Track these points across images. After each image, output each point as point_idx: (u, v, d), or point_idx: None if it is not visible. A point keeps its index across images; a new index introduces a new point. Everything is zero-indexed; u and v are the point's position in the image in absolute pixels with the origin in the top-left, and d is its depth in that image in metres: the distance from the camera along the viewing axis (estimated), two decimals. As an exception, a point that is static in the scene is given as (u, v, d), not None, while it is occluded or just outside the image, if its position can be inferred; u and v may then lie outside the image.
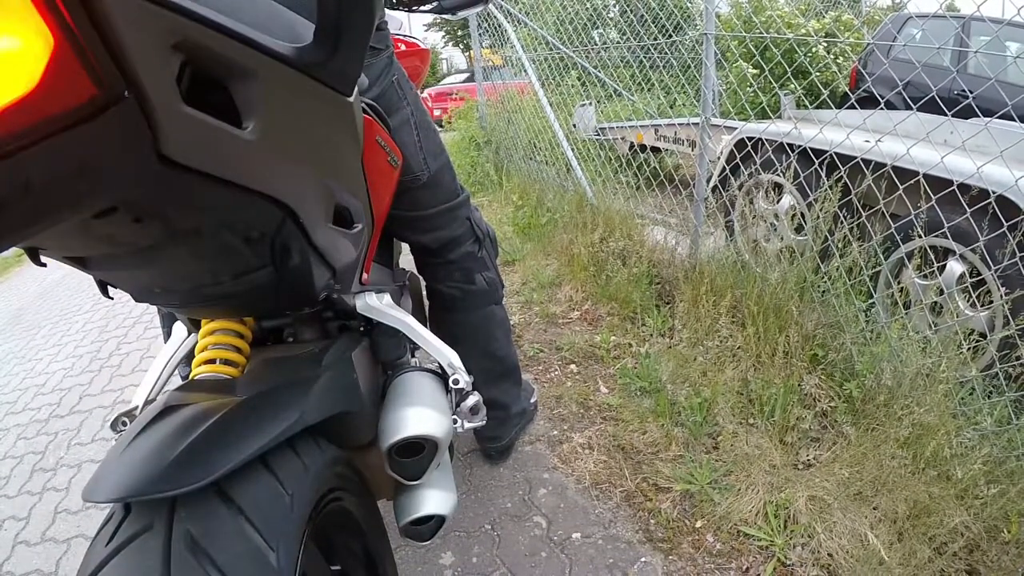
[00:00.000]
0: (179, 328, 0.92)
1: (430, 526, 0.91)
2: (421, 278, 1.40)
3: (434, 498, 0.91)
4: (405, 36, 1.60)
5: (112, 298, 0.65)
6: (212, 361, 0.76)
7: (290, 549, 0.56)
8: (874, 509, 1.21)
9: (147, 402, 0.85)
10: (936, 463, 1.24)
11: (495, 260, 1.33)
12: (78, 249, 0.51)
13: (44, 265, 0.52)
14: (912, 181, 1.51)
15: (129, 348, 2.80)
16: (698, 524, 1.30)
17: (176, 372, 0.91)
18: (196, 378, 0.74)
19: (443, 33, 20.72)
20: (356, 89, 0.65)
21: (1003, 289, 1.49)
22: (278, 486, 0.59)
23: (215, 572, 0.50)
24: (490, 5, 1.59)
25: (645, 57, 3.32)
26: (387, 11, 1.08)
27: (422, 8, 1.13)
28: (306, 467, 0.63)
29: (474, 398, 0.96)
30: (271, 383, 0.69)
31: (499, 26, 3.93)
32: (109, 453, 0.57)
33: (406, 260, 1.57)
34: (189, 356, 0.85)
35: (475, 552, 1.30)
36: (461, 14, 1.22)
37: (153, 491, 0.50)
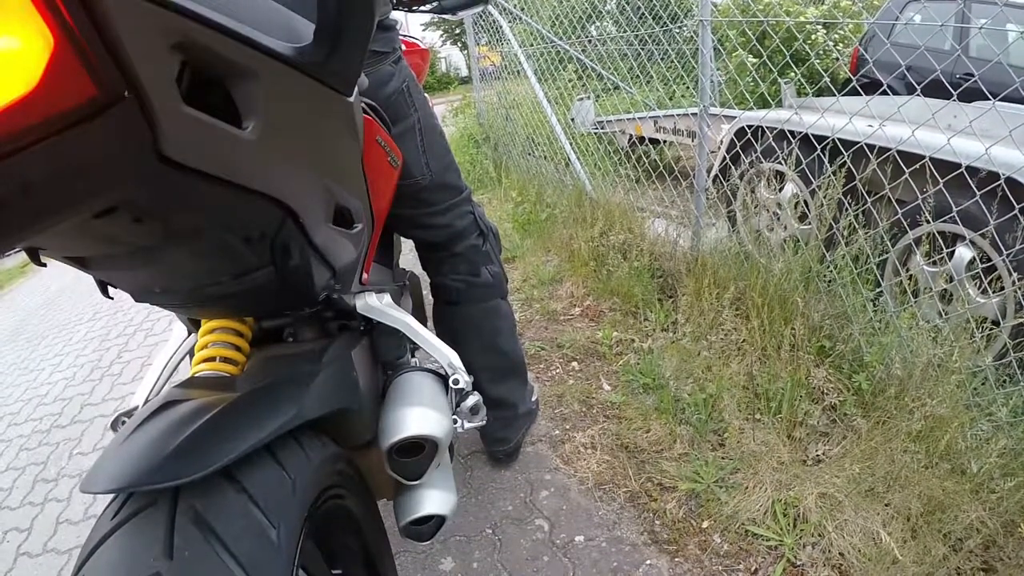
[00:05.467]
0: (179, 327, 0.94)
1: (430, 526, 0.91)
2: (422, 277, 1.39)
3: (434, 498, 0.91)
4: (404, 36, 1.58)
5: (112, 298, 0.65)
6: (212, 359, 0.77)
7: (291, 529, 0.56)
8: (886, 506, 1.17)
9: (147, 401, 0.86)
10: (950, 456, 1.20)
11: (499, 255, 1.33)
12: (78, 249, 0.52)
13: (44, 265, 0.53)
14: (917, 165, 1.46)
15: (130, 356, 2.79)
16: (705, 524, 1.26)
17: (176, 372, 0.92)
18: (196, 375, 0.75)
19: (441, 32, 20.67)
20: (356, 89, 0.64)
21: (1015, 274, 1.44)
22: (281, 471, 0.60)
23: (218, 545, 0.50)
24: (489, 5, 1.57)
25: (642, 49, 3.27)
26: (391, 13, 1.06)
27: (422, 8, 1.13)
28: (309, 458, 0.65)
29: (474, 398, 0.96)
30: (270, 379, 0.70)
31: (495, 22, 3.90)
32: (108, 445, 0.57)
33: (406, 260, 1.55)
34: (189, 355, 0.87)
35: (476, 557, 1.28)
36: (461, 14, 1.22)
37: (153, 481, 0.51)
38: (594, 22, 4.67)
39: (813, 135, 1.80)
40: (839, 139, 1.69)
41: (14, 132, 0.31)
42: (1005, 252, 1.42)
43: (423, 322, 1.12)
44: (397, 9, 1.13)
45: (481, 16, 4.08)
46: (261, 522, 0.54)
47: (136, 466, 0.52)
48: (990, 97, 1.37)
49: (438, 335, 1.02)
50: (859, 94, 1.72)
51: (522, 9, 3.94)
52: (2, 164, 0.31)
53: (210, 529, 0.51)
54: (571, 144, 3.15)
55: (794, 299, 1.63)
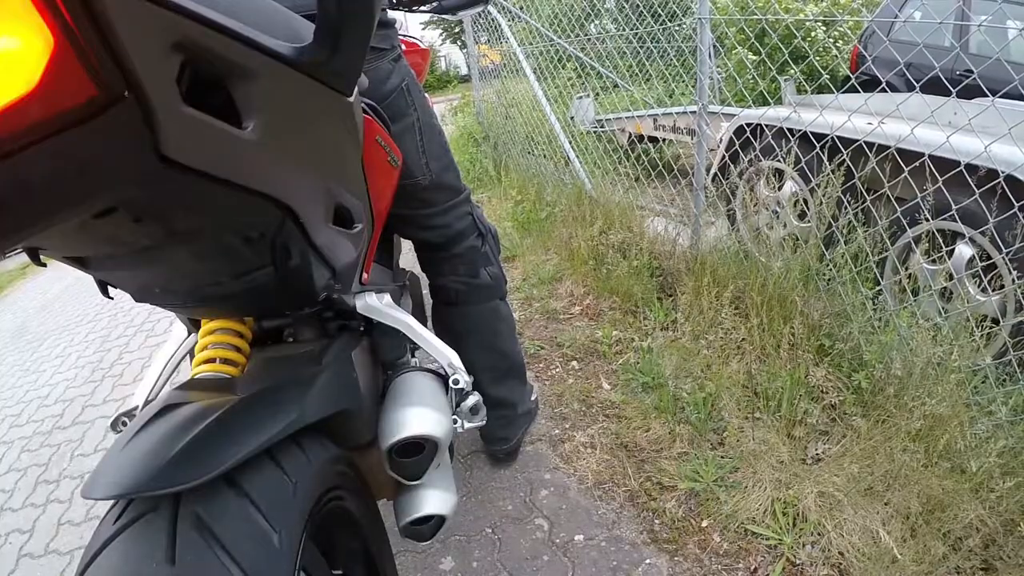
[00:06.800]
0: (179, 327, 0.94)
1: (430, 526, 0.92)
2: (421, 277, 1.38)
3: (434, 498, 0.91)
4: (404, 36, 1.58)
5: (112, 298, 0.66)
6: (212, 360, 0.77)
7: (292, 533, 0.57)
8: (886, 505, 1.17)
9: (147, 401, 0.86)
10: (949, 456, 1.19)
11: (498, 256, 1.33)
12: (78, 249, 0.52)
13: (44, 265, 0.53)
14: (917, 163, 1.46)
15: (131, 357, 2.80)
16: (704, 523, 1.26)
17: (176, 372, 0.92)
18: (196, 377, 0.75)
19: (440, 31, 20.63)
20: (356, 89, 0.64)
21: (1015, 272, 1.44)
22: (282, 475, 0.60)
23: (220, 550, 0.50)
24: (489, 5, 1.57)
25: (641, 47, 3.27)
26: (389, 11, 1.06)
27: (421, 8, 1.12)
28: (310, 460, 0.65)
29: (474, 398, 0.96)
30: (271, 382, 0.70)
31: (494, 20, 3.89)
32: (109, 450, 0.57)
33: (406, 260, 1.55)
34: (189, 355, 0.87)
35: (475, 556, 1.28)
36: (461, 14, 1.21)
37: (154, 487, 0.51)
38: (593, 21, 4.66)
39: (812, 133, 1.80)
40: (838, 137, 1.69)
41: (14, 132, 0.31)
42: (1005, 250, 1.42)
43: (423, 322, 1.12)
44: (396, 9, 1.13)
45: (480, 15, 4.08)
46: (262, 527, 0.54)
47: (137, 471, 0.52)
48: (989, 94, 1.36)
49: (437, 336, 1.02)
50: (858, 92, 1.71)
51: (521, 8, 3.93)
52: (2, 164, 0.32)
53: (212, 534, 0.51)
54: (570, 143, 3.15)
55: (793, 298, 1.62)
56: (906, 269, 1.71)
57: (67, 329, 3.44)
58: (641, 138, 3.45)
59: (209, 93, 0.44)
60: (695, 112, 2.09)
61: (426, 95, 1.17)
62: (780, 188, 2.28)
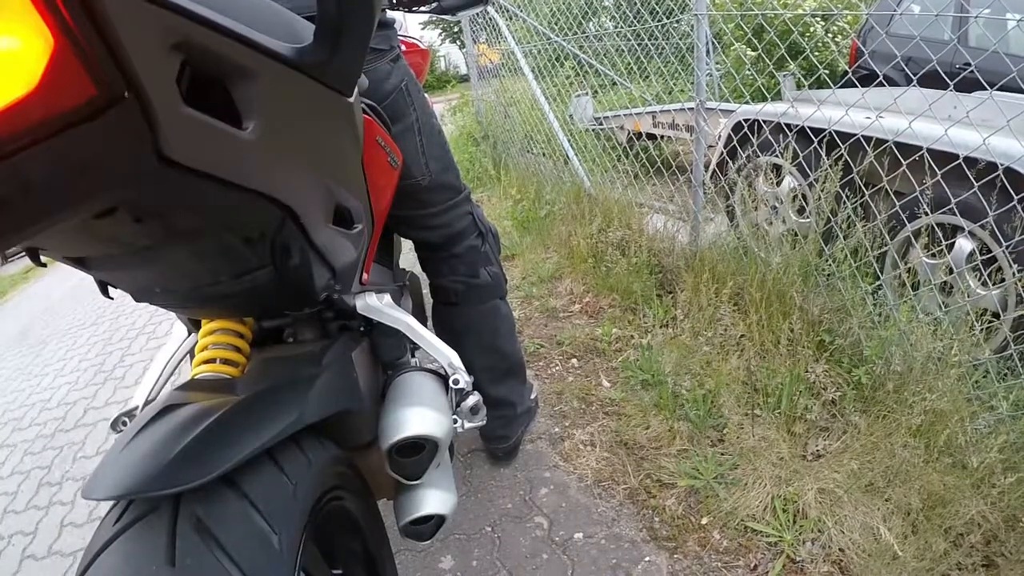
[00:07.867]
0: (179, 328, 0.94)
1: (430, 526, 0.92)
2: (421, 277, 1.38)
3: (434, 498, 0.92)
4: (404, 36, 1.58)
5: (112, 298, 0.66)
6: (212, 360, 0.77)
7: (292, 534, 0.57)
8: (886, 501, 1.17)
9: (147, 402, 0.86)
10: (950, 451, 1.19)
11: (498, 256, 1.32)
12: (78, 249, 0.52)
13: (44, 265, 0.53)
14: (916, 156, 1.45)
15: (133, 360, 2.81)
16: (704, 521, 1.26)
17: (177, 372, 0.92)
18: (196, 377, 0.75)
19: (439, 31, 20.62)
20: (356, 89, 0.64)
21: (1015, 266, 1.43)
22: (282, 476, 0.60)
23: (220, 552, 0.50)
24: (488, 5, 1.57)
25: (639, 44, 3.26)
26: (388, 11, 1.06)
27: (421, 8, 1.12)
28: (310, 461, 0.65)
29: (474, 398, 0.96)
30: (271, 382, 0.70)
31: (492, 19, 3.88)
32: (109, 451, 0.57)
33: (406, 259, 1.55)
34: (190, 356, 0.87)
35: (475, 555, 1.28)
36: (460, 14, 1.21)
37: (154, 488, 0.51)
38: (591, 19, 4.65)
39: (810, 128, 1.79)
40: (836, 131, 1.68)
41: (14, 132, 0.31)
42: (1005, 243, 1.41)
43: (423, 322, 1.11)
44: (396, 9, 1.13)
45: (479, 14, 4.07)
46: (262, 528, 0.54)
47: (137, 472, 0.52)
48: (987, 87, 1.36)
49: (437, 335, 1.02)
50: (857, 86, 1.71)
51: (520, 7, 3.93)
52: (2, 164, 0.32)
53: (211, 536, 0.51)
54: (569, 141, 3.15)
55: (792, 294, 1.62)
56: (906, 263, 1.70)
57: (69, 333, 3.45)
58: (640, 135, 3.45)
59: (209, 93, 0.44)
60: (693, 109, 2.08)
61: (426, 95, 1.17)
62: (779, 184, 2.27)
